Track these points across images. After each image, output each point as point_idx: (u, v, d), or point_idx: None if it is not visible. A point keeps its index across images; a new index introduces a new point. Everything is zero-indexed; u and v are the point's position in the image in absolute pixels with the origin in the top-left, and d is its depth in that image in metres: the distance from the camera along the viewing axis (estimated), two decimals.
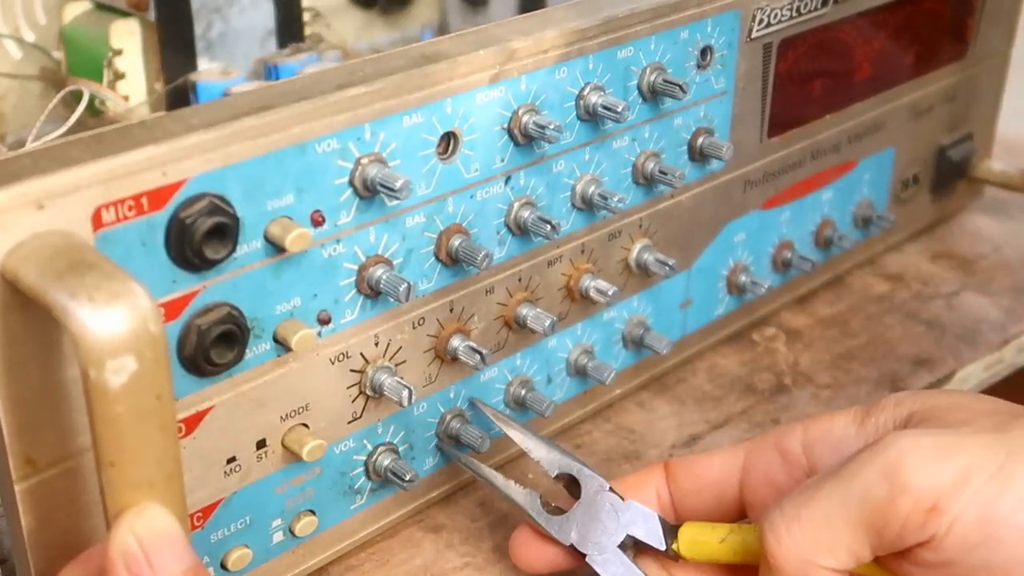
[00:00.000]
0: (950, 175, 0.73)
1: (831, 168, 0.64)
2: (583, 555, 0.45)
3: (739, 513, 0.46)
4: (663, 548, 0.45)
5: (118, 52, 0.61)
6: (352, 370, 0.45)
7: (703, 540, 0.44)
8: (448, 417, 0.50)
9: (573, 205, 0.51)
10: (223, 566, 0.44)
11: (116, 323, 0.31)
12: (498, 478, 0.48)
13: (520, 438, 0.48)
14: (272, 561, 0.46)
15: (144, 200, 0.36)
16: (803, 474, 0.44)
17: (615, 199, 0.50)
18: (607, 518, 0.46)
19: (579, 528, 0.46)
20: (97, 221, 0.36)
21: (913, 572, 0.39)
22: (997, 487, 0.37)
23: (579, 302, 0.53)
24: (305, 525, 0.46)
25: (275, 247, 0.40)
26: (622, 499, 0.46)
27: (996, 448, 0.38)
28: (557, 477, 0.47)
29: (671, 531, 0.45)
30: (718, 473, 0.46)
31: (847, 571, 0.40)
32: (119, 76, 0.62)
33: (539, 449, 0.48)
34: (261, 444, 0.43)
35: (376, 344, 0.46)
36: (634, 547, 0.45)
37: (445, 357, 0.48)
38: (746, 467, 0.45)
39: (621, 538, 0.45)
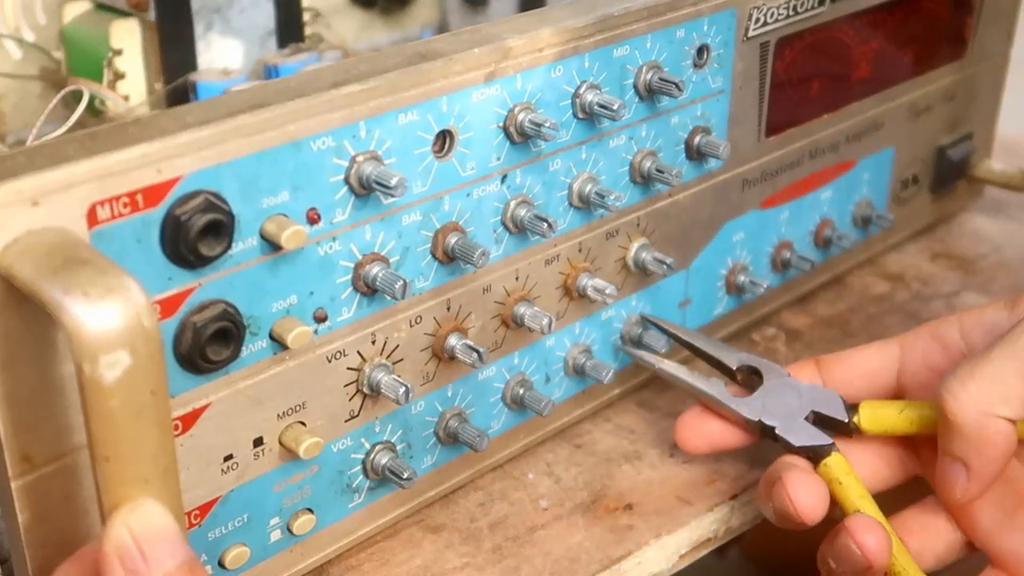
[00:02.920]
0: (950, 175, 0.73)
1: (830, 168, 0.64)
2: (772, 427, 0.50)
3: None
4: (845, 419, 0.50)
5: (118, 52, 0.62)
6: (349, 368, 0.45)
7: (882, 413, 0.50)
8: (447, 415, 0.50)
9: (570, 204, 0.51)
10: (221, 564, 0.44)
11: (110, 318, 0.31)
12: (680, 370, 0.53)
13: (693, 341, 0.55)
14: (270, 559, 0.46)
15: (139, 197, 0.37)
16: (963, 357, 0.48)
17: (612, 197, 0.50)
18: (791, 397, 0.51)
19: (766, 406, 0.51)
20: (92, 218, 0.36)
21: None
22: None
23: (577, 301, 0.53)
24: (303, 523, 0.46)
25: (271, 244, 0.41)
26: (807, 383, 0.51)
27: None
28: (738, 369, 0.53)
29: (851, 408, 0.50)
30: (874, 363, 0.51)
31: (1020, 419, 0.45)
32: (119, 76, 0.62)
33: (715, 350, 0.54)
34: (258, 442, 0.44)
35: (373, 342, 0.46)
36: (816, 423, 0.50)
37: (443, 355, 0.48)
38: (904, 357, 0.51)
39: (806, 413, 0.50)
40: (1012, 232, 0.76)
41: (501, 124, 0.47)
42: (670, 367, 0.53)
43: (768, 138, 0.59)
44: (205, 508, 0.43)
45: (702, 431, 0.52)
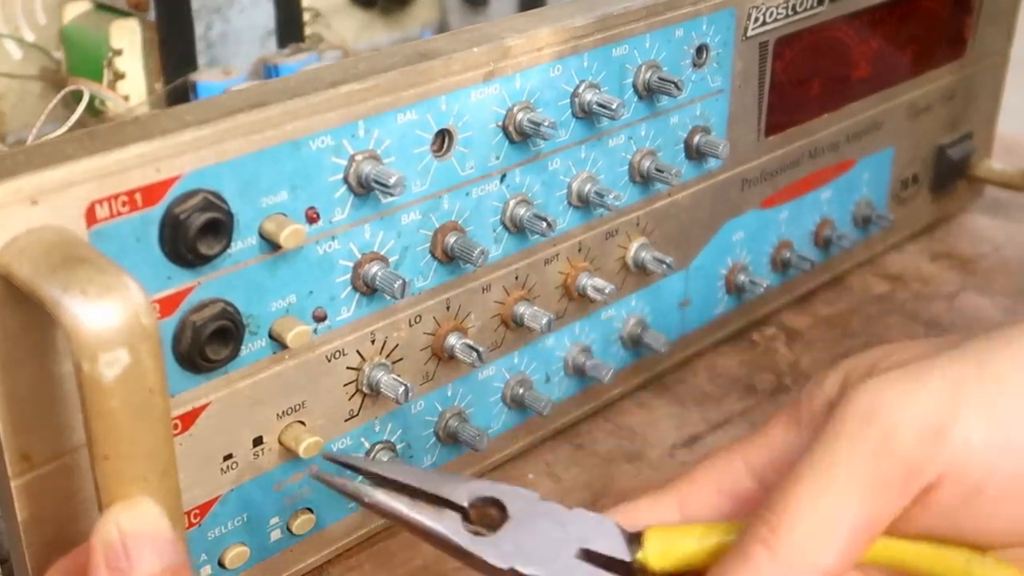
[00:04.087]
0: (950, 175, 0.73)
1: (829, 167, 0.64)
2: None
3: None
4: (628, 559, 0.36)
5: (118, 52, 0.62)
6: (349, 367, 0.45)
7: (677, 543, 0.37)
8: (447, 415, 0.50)
9: (569, 203, 0.51)
10: (220, 564, 0.44)
11: (108, 316, 0.31)
12: (401, 501, 0.37)
13: (401, 479, 0.38)
14: (270, 559, 0.46)
15: (138, 196, 0.37)
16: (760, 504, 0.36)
17: (611, 196, 0.50)
18: (551, 530, 0.37)
19: (519, 545, 0.36)
20: (91, 217, 0.36)
21: (937, 525, 0.34)
22: (992, 391, 0.33)
23: (577, 300, 0.53)
24: (303, 523, 0.46)
25: (270, 244, 0.41)
26: (566, 507, 0.38)
27: (964, 359, 0.34)
28: (472, 505, 0.37)
29: (633, 540, 0.37)
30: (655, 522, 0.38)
31: (857, 560, 0.34)
32: (119, 76, 0.62)
33: (434, 485, 0.38)
34: (258, 441, 0.44)
35: (373, 341, 0.46)
36: (590, 562, 0.37)
37: (442, 355, 0.48)
38: (687, 514, 0.38)
39: (573, 551, 0.37)
40: (1012, 232, 0.76)
41: (500, 123, 0.47)
42: (386, 499, 0.37)
43: (768, 138, 0.59)
44: (205, 507, 0.43)
45: None
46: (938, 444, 0.33)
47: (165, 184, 0.37)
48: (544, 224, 0.48)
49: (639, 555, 0.36)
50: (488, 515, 0.37)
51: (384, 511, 0.37)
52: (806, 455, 0.34)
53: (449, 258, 0.47)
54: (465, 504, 0.37)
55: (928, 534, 0.34)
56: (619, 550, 0.37)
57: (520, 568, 0.36)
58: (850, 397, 0.34)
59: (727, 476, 0.38)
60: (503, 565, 0.36)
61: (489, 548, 0.36)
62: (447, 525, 0.37)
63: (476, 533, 0.37)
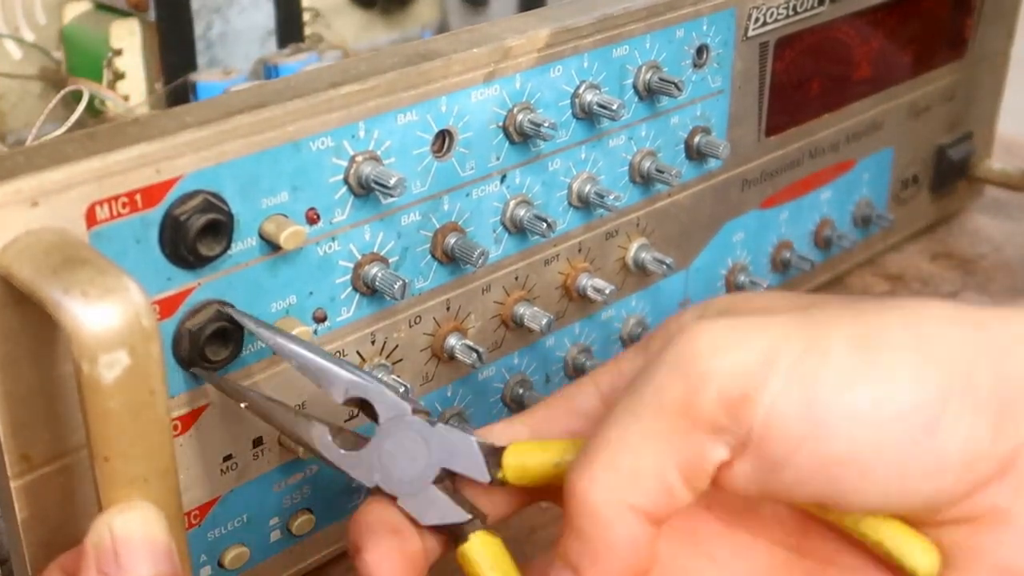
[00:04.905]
0: (950, 175, 0.73)
1: (830, 167, 0.64)
2: (393, 498, 0.38)
3: None
4: (487, 480, 0.37)
5: (118, 52, 0.62)
6: None
7: (535, 464, 0.37)
8: (447, 416, 0.50)
9: (569, 203, 0.51)
10: (220, 564, 0.44)
11: (109, 318, 0.31)
12: (275, 408, 0.39)
13: (284, 347, 0.39)
14: (270, 560, 0.46)
15: (138, 197, 0.37)
16: None
17: (611, 197, 0.50)
18: (414, 448, 0.37)
19: (383, 461, 0.37)
20: (91, 218, 0.36)
21: (752, 483, 0.32)
22: (813, 364, 0.31)
23: (577, 301, 0.53)
24: (302, 524, 0.46)
25: (270, 245, 0.41)
26: (430, 423, 0.38)
27: (802, 325, 0.32)
28: (346, 403, 0.39)
29: (494, 454, 0.38)
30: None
31: (662, 514, 0.33)
32: (119, 76, 0.62)
33: (319, 369, 0.39)
34: (257, 442, 0.44)
35: (372, 342, 0.46)
36: (452, 480, 0.38)
37: (442, 356, 0.48)
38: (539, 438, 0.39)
39: (434, 474, 0.37)
40: (1012, 232, 0.76)
41: (500, 124, 0.47)
42: (261, 400, 0.39)
43: (768, 138, 0.59)
44: (204, 508, 0.43)
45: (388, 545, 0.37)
46: (741, 407, 0.31)
47: (165, 185, 0.37)
48: (544, 225, 0.48)
49: (499, 474, 0.37)
50: (352, 436, 0.39)
51: (261, 414, 0.39)
52: (627, 388, 0.34)
53: (449, 259, 0.47)
54: (340, 401, 0.38)
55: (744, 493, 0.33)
56: (479, 468, 0.37)
57: (383, 486, 0.37)
58: (676, 338, 0.33)
59: (579, 399, 0.39)
60: (367, 482, 0.38)
61: (356, 466, 0.38)
62: (319, 438, 0.38)
63: (345, 447, 0.38)
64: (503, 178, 0.48)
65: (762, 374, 0.31)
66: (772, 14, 0.56)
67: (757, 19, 0.55)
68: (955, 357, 0.32)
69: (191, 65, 0.62)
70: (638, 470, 0.32)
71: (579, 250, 0.52)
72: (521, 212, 0.48)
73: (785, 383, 0.31)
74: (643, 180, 0.53)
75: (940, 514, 0.33)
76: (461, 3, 0.75)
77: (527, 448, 0.37)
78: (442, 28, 0.76)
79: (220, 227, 0.39)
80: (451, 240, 0.46)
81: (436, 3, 0.75)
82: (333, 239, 0.43)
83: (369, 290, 0.44)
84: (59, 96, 0.58)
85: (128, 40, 0.62)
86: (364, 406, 0.39)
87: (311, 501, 0.46)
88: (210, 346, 0.40)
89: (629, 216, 0.54)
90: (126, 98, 0.62)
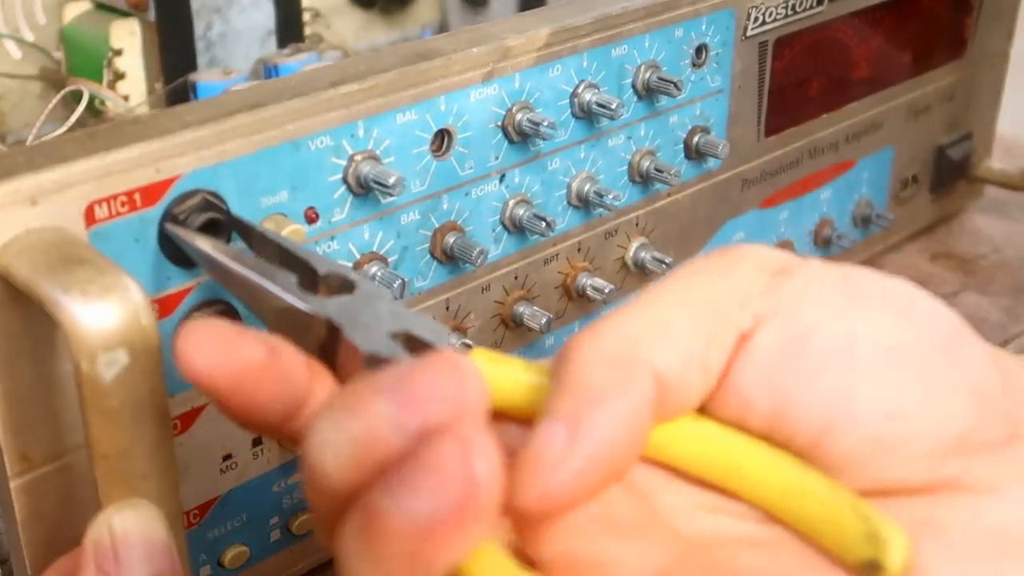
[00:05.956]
0: (950, 175, 0.73)
1: (829, 167, 0.64)
2: (337, 327, 0.33)
3: None
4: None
5: (118, 52, 0.62)
6: None
7: (502, 372, 0.32)
8: None
9: (569, 203, 0.51)
10: (220, 564, 0.44)
11: (108, 316, 0.31)
12: (229, 257, 0.36)
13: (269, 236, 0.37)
14: (270, 559, 0.46)
15: (137, 196, 0.37)
16: None
17: (611, 196, 0.50)
18: (384, 315, 0.34)
19: (344, 309, 0.34)
20: (90, 217, 0.36)
21: (754, 388, 0.30)
22: (839, 276, 0.31)
23: (576, 300, 0.53)
24: (302, 523, 0.46)
25: None
26: (412, 313, 0.35)
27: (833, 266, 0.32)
28: (325, 277, 0.36)
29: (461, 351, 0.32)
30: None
31: (670, 392, 0.30)
32: (119, 76, 0.62)
33: (304, 253, 0.36)
34: (257, 442, 0.44)
35: None
36: (407, 347, 0.33)
37: None
38: None
39: (396, 329, 0.33)
40: (1012, 232, 0.76)
41: (499, 123, 0.47)
42: (212, 251, 0.36)
43: (767, 138, 0.59)
44: (204, 508, 0.43)
45: (212, 341, 0.30)
46: (780, 274, 0.31)
47: (164, 184, 0.37)
48: (543, 224, 0.48)
49: None
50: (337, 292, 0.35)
51: (216, 267, 0.36)
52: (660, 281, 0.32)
53: (448, 258, 0.47)
54: (321, 273, 0.36)
55: (746, 414, 0.31)
56: (440, 339, 0.34)
57: (334, 319, 0.33)
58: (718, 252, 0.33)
59: None
60: (319, 314, 0.33)
61: (311, 301, 0.34)
62: (281, 283, 0.34)
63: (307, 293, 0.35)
64: (502, 177, 0.48)
65: (801, 260, 0.32)
66: (771, 14, 0.56)
67: (756, 19, 0.55)
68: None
69: (191, 65, 0.63)
70: (665, 323, 0.30)
71: (578, 249, 0.52)
72: (520, 211, 0.48)
73: (823, 266, 0.31)
74: (642, 179, 0.53)
75: (938, 461, 0.30)
76: (461, 3, 0.75)
77: (498, 359, 0.33)
78: (442, 28, 0.76)
79: (219, 226, 0.39)
80: (450, 239, 0.46)
81: (436, 3, 0.75)
82: (332, 238, 0.43)
83: None
84: (59, 96, 0.59)
85: (128, 40, 0.62)
86: (346, 285, 0.35)
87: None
88: None
89: (628, 215, 0.54)
90: (126, 98, 0.62)
